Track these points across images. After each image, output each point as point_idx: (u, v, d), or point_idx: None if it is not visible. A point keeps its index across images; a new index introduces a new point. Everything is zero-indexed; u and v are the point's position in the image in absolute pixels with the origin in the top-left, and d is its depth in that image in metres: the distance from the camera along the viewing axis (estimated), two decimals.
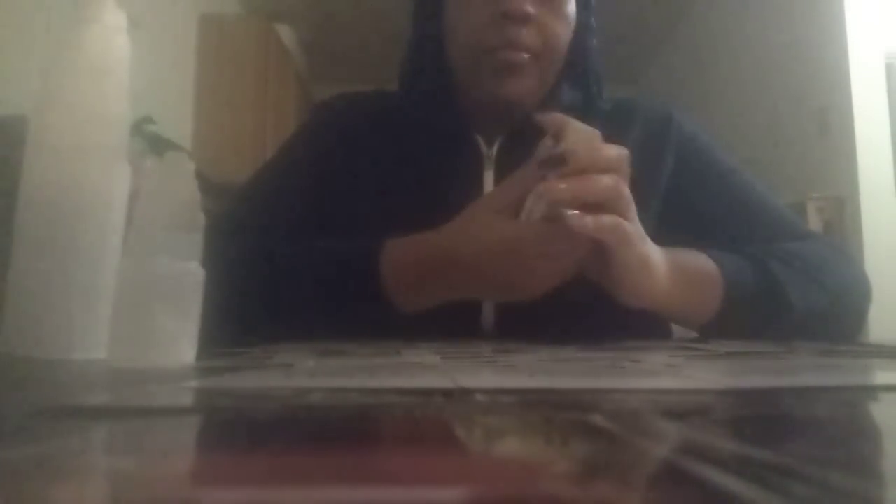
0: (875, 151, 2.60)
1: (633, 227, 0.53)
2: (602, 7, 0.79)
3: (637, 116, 0.78)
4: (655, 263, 0.56)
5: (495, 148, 0.74)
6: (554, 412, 0.22)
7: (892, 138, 2.62)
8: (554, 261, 0.54)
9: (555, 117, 0.55)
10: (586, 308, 0.57)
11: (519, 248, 0.53)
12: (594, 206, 0.51)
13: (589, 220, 0.50)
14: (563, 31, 0.70)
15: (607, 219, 0.51)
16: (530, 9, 0.66)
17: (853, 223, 2.59)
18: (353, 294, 0.59)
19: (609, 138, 0.58)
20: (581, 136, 0.53)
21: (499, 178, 0.72)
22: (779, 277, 0.62)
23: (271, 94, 3.40)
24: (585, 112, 0.75)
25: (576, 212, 0.50)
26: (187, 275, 0.37)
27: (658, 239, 0.57)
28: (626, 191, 0.52)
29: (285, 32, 3.71)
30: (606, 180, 0.51)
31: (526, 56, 0.68)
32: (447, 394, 0.24)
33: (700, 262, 0.61)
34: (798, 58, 2.99)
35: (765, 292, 0.61)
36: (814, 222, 2.59)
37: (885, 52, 2.66)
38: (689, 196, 0.74)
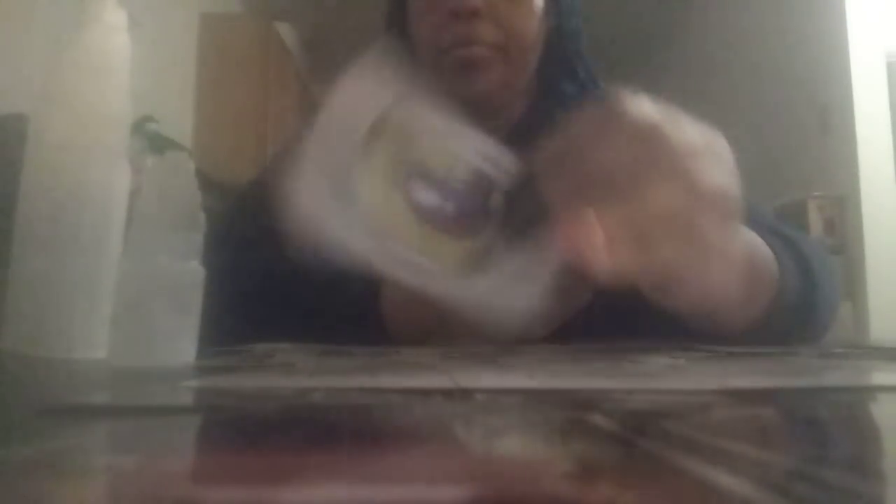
0: (876, 150, 2.60)
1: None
2: (601, 5, 0.79)
3: None
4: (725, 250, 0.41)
5: None
6: (554, 412, 0.22)
7: (893, 137, 2.61)
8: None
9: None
10: (586, 308, 0.57)
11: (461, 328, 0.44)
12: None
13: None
14: (525, 20, 0.68)
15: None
16: (478, 2, 0.65)
17: (854, 222, 2.59)
18: (352, 318, 0.57)
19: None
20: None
21: None
22: (818, 283, 0.54)
23: (272, 94, 3.40)
24: (582, 100, 0.75)
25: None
26: (187, 274, 0.37)
27: None
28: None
29: (286, 31, 3.71)
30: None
31: (482, 50, 0.67)
32: (447, 394, 0.24)
33: (762, 248, 0.49)
34: (799, 56, 2.99)
35: (803, 295, 0.52)
36: (814, 221, 2.59)
37: (886, 50, 2.66)
38: None
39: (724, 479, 0.13)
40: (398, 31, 0.76)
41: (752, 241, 0.47)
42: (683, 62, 4.26)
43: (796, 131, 2.99)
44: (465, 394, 0.24)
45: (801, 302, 0.52)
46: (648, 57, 4.61)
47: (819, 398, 0.25)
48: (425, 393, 0.24)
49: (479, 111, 0.72)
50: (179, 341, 0.36)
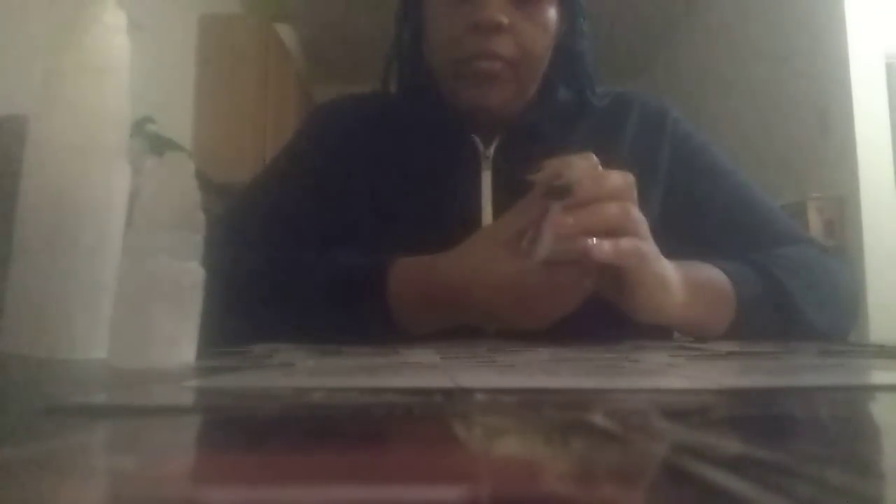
0: (875, 151, 2.60)
1: (649, 246, 0.53)
2: (605, 5, 0.80)
3: (633, 112, 0.78)
4: (671, 280, 0.56)
5: (492, 148, 0.74)
6: (554, 412, 0.22)
7: (892, 138, 2.62)
8: (556, 298, 0.53)
9: (551, 164, 0.53)
10: (586, 308, 0.57)
11: (522, 286, 0.52)
12: (605, 234, 0.50)
13: (608, 247, 0.49)
14: (540, 39, 0.70)
15: (625, 243, 0.51)
16: (502, 18, 0.67)
17: (853, 223, 2.59)
18: (358, 312, 0.58)
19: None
20: (583, 166, 0.52)
21: (496, 179, 0.72)
22: (786, 286, 0.62)
23: (271, 94, 3.40)
24: (580, 110, 0.76)
25: (594, 240, 0.49)
26: (187, 275, 0.37)
27: (657, 241, 0.57)
28: (635, 214, 0.52)
29: (285, 32, 3.71)
30: (614, 208, 0.51)
31: (500, 65, 0.68)
32: (447, 394, 0.24)
33: (712, 274, 0.61)
34: (799, 58, 2.99)
35: (774, 301, 0.61)
36: (814, 222, 2.59)
37: (885, 51, 2.66)
38: (686, 198, 0.74)
39: (725, 480, 0.13)
40: (410, 38, 0.76)
41: (691, 270, 0.59)
42: (685, 63, 4.26)
43: (796, 132, 2.99)
44: (465, 394, 0.24)
45: (773, 310, 0.62)
46: (649, 59, 4.61)
47: (819, 398, 0.25)
48: (425, 393, 0.24)
49: (482, 116, 0.72)
50: (179, 341, 0.36)
